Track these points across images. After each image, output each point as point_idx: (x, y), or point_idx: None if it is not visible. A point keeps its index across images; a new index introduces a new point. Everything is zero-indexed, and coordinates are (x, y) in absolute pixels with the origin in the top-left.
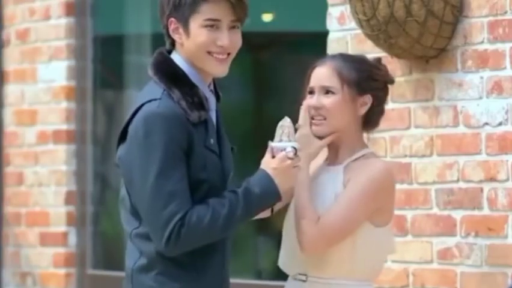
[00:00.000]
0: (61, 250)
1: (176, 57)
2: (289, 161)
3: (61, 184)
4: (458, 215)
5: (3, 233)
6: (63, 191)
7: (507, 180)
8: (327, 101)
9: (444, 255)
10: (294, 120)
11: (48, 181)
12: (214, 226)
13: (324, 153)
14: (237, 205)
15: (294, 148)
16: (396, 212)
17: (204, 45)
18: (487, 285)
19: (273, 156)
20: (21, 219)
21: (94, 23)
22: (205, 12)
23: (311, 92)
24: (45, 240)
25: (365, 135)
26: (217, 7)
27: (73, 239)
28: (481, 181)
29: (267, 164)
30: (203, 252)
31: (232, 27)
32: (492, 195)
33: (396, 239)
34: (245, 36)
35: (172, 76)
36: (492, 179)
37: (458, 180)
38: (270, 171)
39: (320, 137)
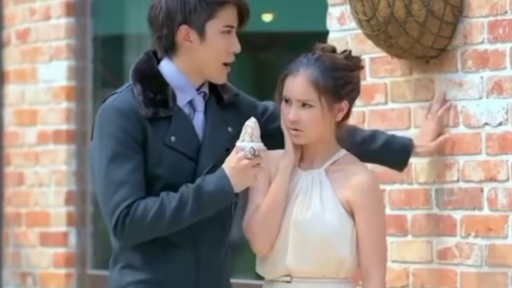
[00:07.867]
0: (61, 250)
1: (164, 61)
2: (246, 161)
3: (61, 184)
4: (458, 215)
5: (4, 233)
6: (63, 191)
7: (507, 180)
8: (306, 115)
9: (445, 255)
10: None
11: (48, 181)
12: (160, 219)
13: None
14: (187, 200)
15: (253, 148)
16: (396, 212)
17: (222, 53)
18: (487, 285)
19: None
20: (21, 219)
21: (94, 23)
22: (223, 18)
23: (287, 100)
24: (46, 240)
25: None
26: (232, 13)
27: (73, 239)
28: (481, 181)
29: (227, 163)
30: (166, 244)
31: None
32: (492, 195)
33: (396, 239)
34: (245, 36)
35: (143, 73)
36: (492, 179)
37: (458, 180)
38: (227, 171)
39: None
